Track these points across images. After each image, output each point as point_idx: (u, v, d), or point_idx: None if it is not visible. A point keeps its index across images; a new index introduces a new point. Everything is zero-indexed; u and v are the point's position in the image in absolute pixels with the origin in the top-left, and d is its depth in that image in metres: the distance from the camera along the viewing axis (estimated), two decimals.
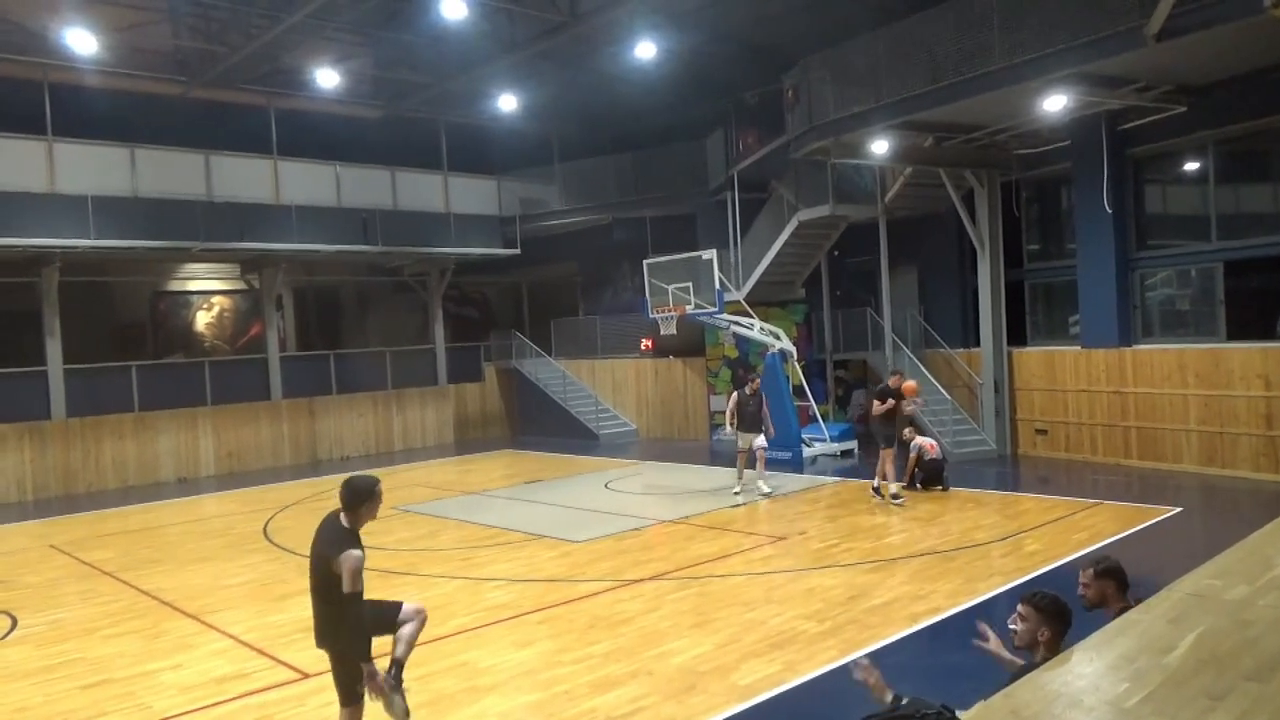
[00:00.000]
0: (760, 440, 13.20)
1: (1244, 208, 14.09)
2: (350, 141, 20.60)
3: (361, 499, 4.83)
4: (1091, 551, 9.51)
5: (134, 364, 18.84)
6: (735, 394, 13.49)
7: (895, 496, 12.09)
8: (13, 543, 13.03)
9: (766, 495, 13.17)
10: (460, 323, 26.28)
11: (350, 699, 4.90)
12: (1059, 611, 3.72)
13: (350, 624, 4.73)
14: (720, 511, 12.45)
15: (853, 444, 17.24)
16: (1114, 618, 4.05)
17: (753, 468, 13.41)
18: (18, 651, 7.88)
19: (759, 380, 14.27)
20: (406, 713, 5.08)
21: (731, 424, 13.38)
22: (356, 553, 4.68)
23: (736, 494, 13.18)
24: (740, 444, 13.31)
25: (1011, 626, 3.83)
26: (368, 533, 4.95)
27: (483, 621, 8.00)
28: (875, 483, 12.45)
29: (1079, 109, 13.19)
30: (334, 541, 4.73)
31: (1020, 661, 3.83)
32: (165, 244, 17.87)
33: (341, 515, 4.84)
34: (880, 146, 14.69)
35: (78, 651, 7.79)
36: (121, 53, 17.06)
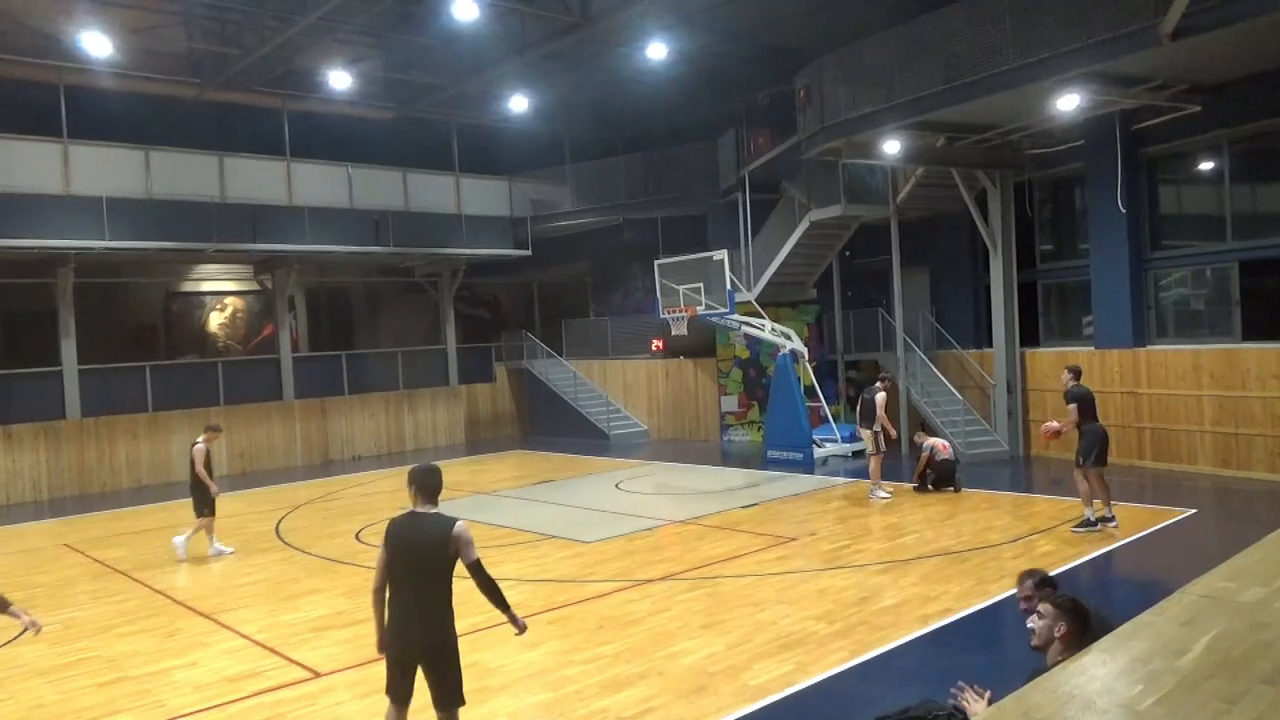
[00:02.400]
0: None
1: (1260, 207, 13.98)
2: (362, 143, 20.69)
3: (440, 485, 4.94)
4: (1100, 554, 9.46)
5: (148, 364, 18.97)
6: (884, 394, 13.10)
7: (1106, 519, 10.39)
8: (28, 542, 13.13)
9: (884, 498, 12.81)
10: (471, 323, 26.34)
11: (455, 703, 4.87)
12: (1077, 610, 3.76)
13: (487, 585, 4.84)
14: (731, 512, 12.43)
15: (863, 444, 17.16)
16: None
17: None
18: (33, 649, 7.94)
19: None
20: None
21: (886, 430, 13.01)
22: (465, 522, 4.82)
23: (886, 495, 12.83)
24: (883, 446, 13.04)
25: (1030, 625, 3.86)
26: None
27: (493, 622, 7.97)
28: (1088, 514, 10.41)
29: (1093, 108, 13.11)
30: (441, 525, 4.77)
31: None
32: (179, 245, 17.98)
33: (423, 506, 4.85)
34: (892, 147, 14.64)
35: (92, 649, 7.85)
36: (136, 55, 17.18)
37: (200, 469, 11.09)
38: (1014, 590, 8.05)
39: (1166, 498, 11.90)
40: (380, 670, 6.88)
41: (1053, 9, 11.80)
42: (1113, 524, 10.27)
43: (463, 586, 4.82)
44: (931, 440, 13.44)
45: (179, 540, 11.20)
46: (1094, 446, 10.27)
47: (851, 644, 6.98)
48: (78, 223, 16.58)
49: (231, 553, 11.32)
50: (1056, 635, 3.74)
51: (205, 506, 11.20)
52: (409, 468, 5.04)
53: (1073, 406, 10.35)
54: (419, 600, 4.76)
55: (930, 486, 13.04)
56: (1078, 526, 10.32)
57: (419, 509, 4.84)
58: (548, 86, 20.16)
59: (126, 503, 16.24)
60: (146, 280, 21.34)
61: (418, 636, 4.77)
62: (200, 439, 11.41)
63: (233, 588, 9.75)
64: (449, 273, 23.05)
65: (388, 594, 4.78)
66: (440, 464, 5.17)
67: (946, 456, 13.20)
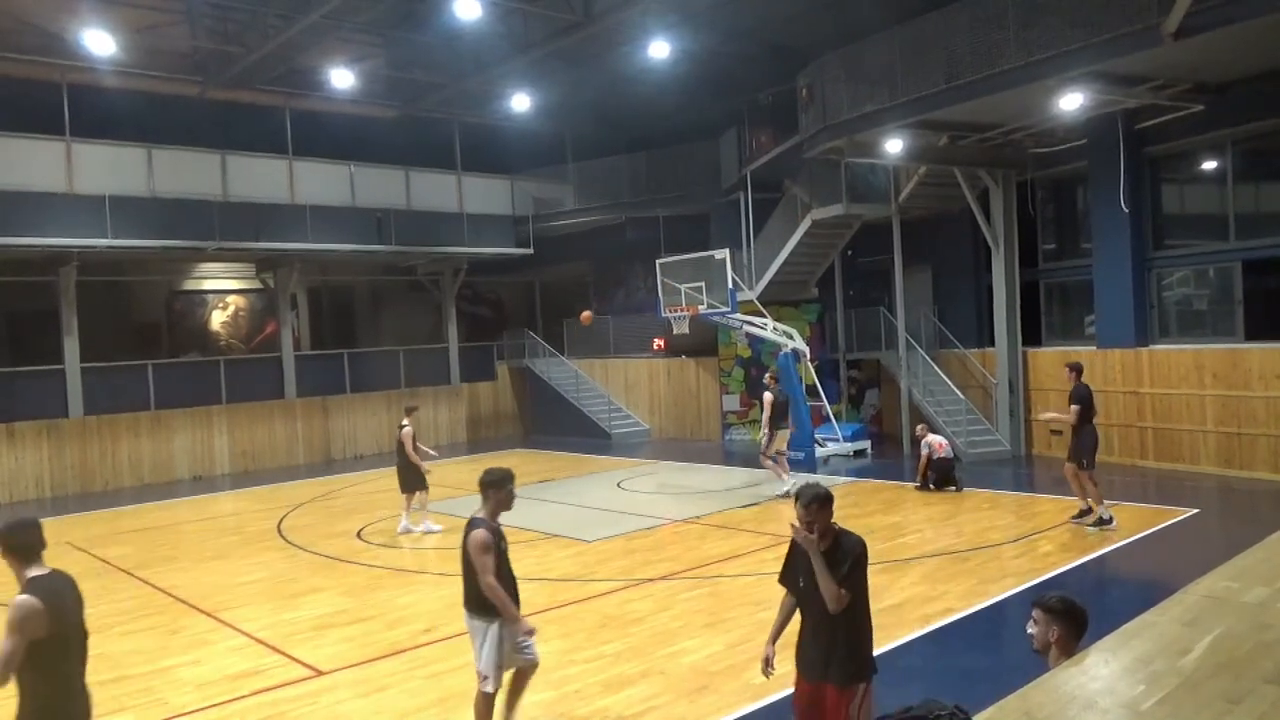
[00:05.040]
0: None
1: (1263, 207, 13.96)
2: (365, 141, 20.69)
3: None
4: (1102, 554, 9.45)
5: (150, 363, 18.98)
6: (768, 395, 13.38)
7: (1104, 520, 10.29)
8: None
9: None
10: (473, 322, 26.35)
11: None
12: (1068, 611, 3.72)
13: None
14: (732, 511, 12.43)
15: (866, 444, 17.18)
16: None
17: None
18: None
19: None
20: None
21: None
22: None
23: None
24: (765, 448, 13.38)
25: (1029, 631, 3.83)
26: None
27: None
28: (1103, 511, 10.33)
29: (1095, 107, 13.09)
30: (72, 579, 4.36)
31: None
32: (181, 243, 18.00)
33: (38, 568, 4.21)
34: (894, 146, 14.63)
35: (95, 647, 7.70)
36: (139, 54, 17.19)
37: (410, 450, 11.88)
38: (1016, 590, 8.09)
39: (1169, 498, 11.88)
40: (383, 667, 6.93)
41: (1055, 8, 11.78)
42: (1111, 525, 10.34)
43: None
44: (930, 438, 13.41)
45: (421, 528, 11.83)
46: (1093, 449, 10.44)
47: None
48: (81, 221, 16.59)
49: (420, 531, 11.80)
50: (1051, 639, 3.70)
51: (416, 484, 11.88)
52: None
53: (1076, 408, 10.39)
54: (81, 672, 4.19)
55: (931, 486, 13.02)
56: (1083, 520, 10.40)
57: (44, 569, 4.10)
58: (550, 85, 20.15)
59: (129, 501, 16.26)
60: (149, 279, 21.35)
61: (86, 709, 4.19)
62: (405, 421, 12.22)
63: (234, 586, 9.76)
64: (451, 271, 23.05)
65: (36, 674, 3.84)
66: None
67: (943, 455, 13.18)
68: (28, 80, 16.94)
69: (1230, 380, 13.28)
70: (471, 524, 5.20)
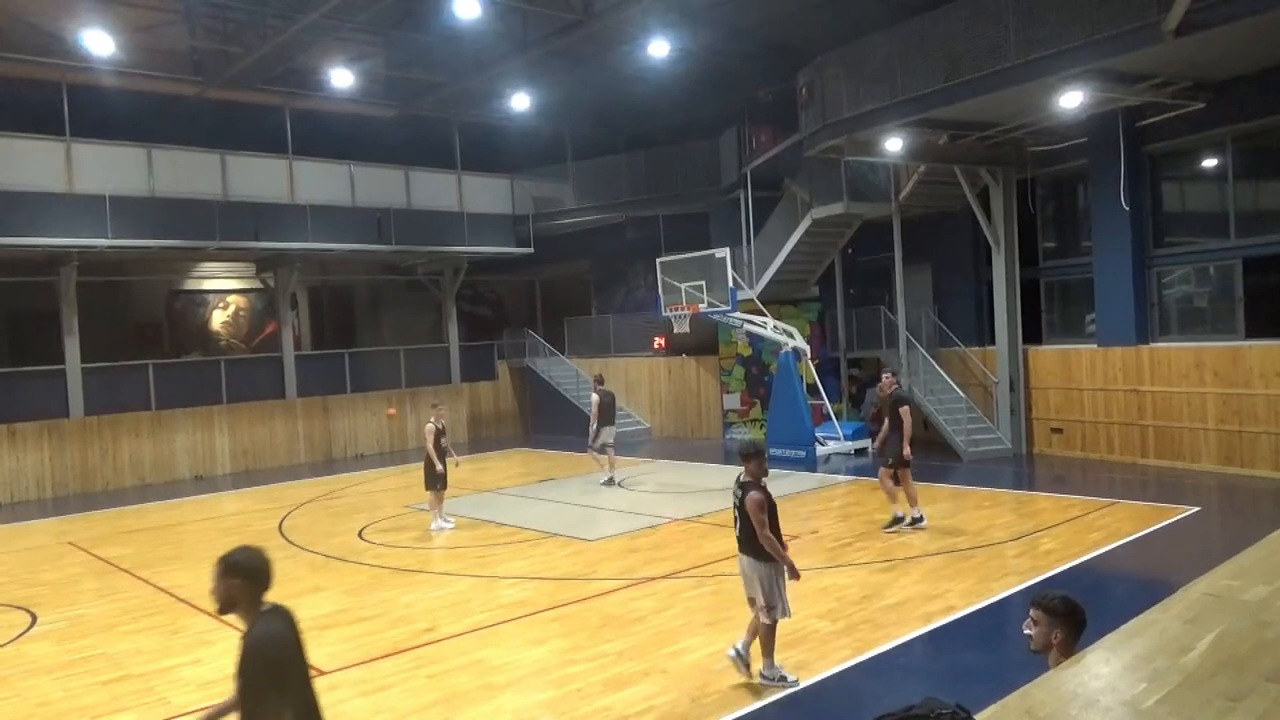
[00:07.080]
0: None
1: (1263, 204, 13.95)
2: (364, 141, 20.68)
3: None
4: (1102, 552, 9.45)
5: (151, 363, 18.98)
6: (595, 397, 15.04)
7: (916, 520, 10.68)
8: (32, 540, 13.16)
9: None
10: (474, 321, 26.35)
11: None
12: (1070, 612, 3.63)
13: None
14: (733, 510, 12.41)
15: (866, 442, 17.16)
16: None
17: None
18: (38, 647, 7.96)
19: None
20: None
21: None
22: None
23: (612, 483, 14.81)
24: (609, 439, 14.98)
25: (1026, 631, 3.76)
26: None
27: (497, 619, 8.03)
28: (916, 513, 10.65)
29: (1096, 105, 13.09)
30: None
31: None
32: (181, 243, 17.99)
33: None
34: (894, 144, 14.63)
35: (97, 647, 7.86)
36: (138, 54, 17.17)
37: (430, 447, 11.93)
38: (1017, 588, 8.09)
39: (1170, 495, 11.88)
40: (384, 667, 6.93)
41: (1055, 6, 11.77)
42: (923, 523, 10.55)
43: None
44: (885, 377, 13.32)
45: (434, 526, 12.05)
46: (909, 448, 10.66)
47: (854, 642, 6.98)
48: (81, 221, 16.59)
49: (453, 527, 12.05)
50: (1054, 642, 3.62)
51: (436, 481, 11.98)
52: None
53: (906, 409, 10.64)
54: None
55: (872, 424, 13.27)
56: (899, 527, 10.49)
57: None
58: (550, 84, 20.13)
59: (130, 501, 16.27)
60: (149, 278, 21.35)
61: None
62: (431, 418, 12.33)
63: None
64: (451, 271, 23.05)
65: None
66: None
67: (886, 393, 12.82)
68: (27, 80, 16.92)
69: (1231, 378, 13.28)
70: (744, 486, 6.28)
